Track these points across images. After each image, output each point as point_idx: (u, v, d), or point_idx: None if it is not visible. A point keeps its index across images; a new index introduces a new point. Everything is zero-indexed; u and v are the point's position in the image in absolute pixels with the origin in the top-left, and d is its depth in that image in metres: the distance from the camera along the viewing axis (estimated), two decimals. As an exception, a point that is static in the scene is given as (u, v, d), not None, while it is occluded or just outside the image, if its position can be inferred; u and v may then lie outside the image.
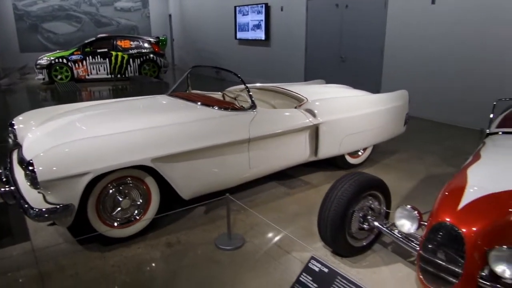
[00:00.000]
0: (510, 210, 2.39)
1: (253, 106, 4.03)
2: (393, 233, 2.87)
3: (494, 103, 3.67)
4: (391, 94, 5.26)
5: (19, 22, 17.09)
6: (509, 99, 3.70)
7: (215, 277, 2.90)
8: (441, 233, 2.42)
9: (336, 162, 4.86)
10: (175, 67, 18.69)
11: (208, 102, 4.10)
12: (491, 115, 3.66)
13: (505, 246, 2.22)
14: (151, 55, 13.21)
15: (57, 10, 17.61)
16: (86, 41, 12.64)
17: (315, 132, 4.38)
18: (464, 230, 2.32)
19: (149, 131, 3.33)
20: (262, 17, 11.38)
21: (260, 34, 11.62)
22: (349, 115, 4.58)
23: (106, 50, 12.64)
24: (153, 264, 3.07)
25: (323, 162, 4.74)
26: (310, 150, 4.43)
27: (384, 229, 2.94)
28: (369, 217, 3.03)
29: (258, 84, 5.56)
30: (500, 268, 2.24)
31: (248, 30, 12.17)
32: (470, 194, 2.50)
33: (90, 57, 12.41)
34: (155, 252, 3.21)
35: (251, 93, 4.13)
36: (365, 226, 3.04)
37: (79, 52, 12.30)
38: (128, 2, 18.69)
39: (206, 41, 15.13)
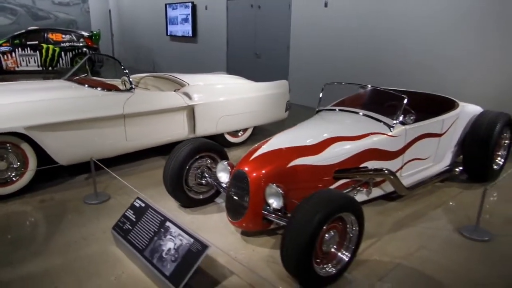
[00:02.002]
0: (285, 159, 3.18)
1: (131, 88, 4.66)
2: (222, 186, 3.59)
3: (323, 86, 4.50)
4: (271, 83, 6.04)
5: (-50, 13, 16.69)
6: (336, 83, 4.54)
7: (75, 222, 3.52)
8: (237, 179, 3.17)
9: (218, 141, 5.56)
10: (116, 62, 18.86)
11: (93, 85, 4.69)
12: (320, 95, 4.49)
13: (274, 184, 3.00)
14: (84, 49, 13.46)
15: (-9, 2, 17.32)
16: (16, 33, 12.73)
17: (192, 112, 5.07)
18: (250, 174, 3.08)
19: (24, 104, 3.89)
20: (189, 11, 12.15)
21: (188, 28, 12.30)
22: (224, 98, 5.31)
23: (36, 42, 12.78)
24: (24, 216, 3.65)
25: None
26: (188, 128, 5.12)
27: (214, 182, 3.65)
28: (205, 174, 3.75)
29: (154, 74, 6.19)
30: (271, 200, 3.02)
31: (177, 24, 12.83)
32: (263, 149, 3.27)
33: (20, 49, 12.51)
34: (27, 207, 3.79)
35: (131, 79, 4.77)
36: (203, 182, 3.76)
37: (7, 44, 12.38)
38: (66, -4, 18.67)
39: (141, 37, 15.54)
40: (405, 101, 3.78)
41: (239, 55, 10.67)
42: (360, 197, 3.66)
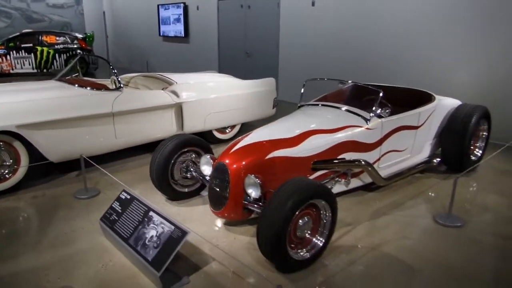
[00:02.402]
0: (264, 152, 3.33)
1: (119, 87, 4.81)
2: (205, 179, 3.75)
3: (304, 82, 4.66)
4: (258, 80, 6.20)
5: None
6: (318, 79, 4.71)
7: (66, 216, 3.67)
8: (218, 171, 3.33)
9: (206, 137, 5.72)
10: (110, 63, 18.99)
11: (83, 84, 4.84)
12: (302, 90, 4.65)
13: (253, 175, 3.15)
14: (78, 51, 13.58)
15: (-15, 5, 17.42)
16: (10, 36, 12.86)
17: (180, 110, 5.22)
18: (230, 166, 3.24)
19: (16, 104, 4.04)
20: (181, 11, 12.33)
21: (180, 28, 12.46)
22: (212, 96, 5.46)
23: (31, 45, 12.90)
24: (17, 212, 3.80)
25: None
26: (177, 125, 5.27)
27: (198, 176, 3.81)
28: (190, 168, 3.91)
29: (144, 73, 6.34)
30: (250, 190, 3.17)
31: (170, 24, 13.00)
32: (243, 142, 3.43)
33: (14, 51, 12.63)
34: (20, 203, 3.94)
35: (119, 79, 4.92)
36: (188, 175, 3.92)
37: (2, 47, 12.49)
38: (61, -1, 18.78)
39: (135, 38, 15.68)
40: (381, 94, 3.94)
41: (230, 54, 10.83)
42: (339, 187, 3.82)
